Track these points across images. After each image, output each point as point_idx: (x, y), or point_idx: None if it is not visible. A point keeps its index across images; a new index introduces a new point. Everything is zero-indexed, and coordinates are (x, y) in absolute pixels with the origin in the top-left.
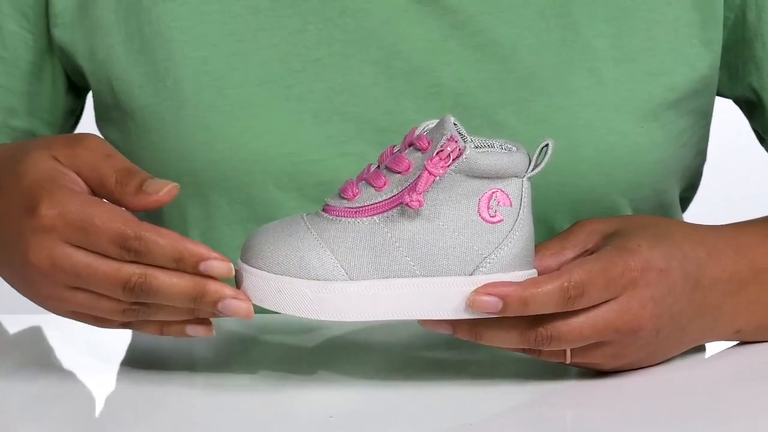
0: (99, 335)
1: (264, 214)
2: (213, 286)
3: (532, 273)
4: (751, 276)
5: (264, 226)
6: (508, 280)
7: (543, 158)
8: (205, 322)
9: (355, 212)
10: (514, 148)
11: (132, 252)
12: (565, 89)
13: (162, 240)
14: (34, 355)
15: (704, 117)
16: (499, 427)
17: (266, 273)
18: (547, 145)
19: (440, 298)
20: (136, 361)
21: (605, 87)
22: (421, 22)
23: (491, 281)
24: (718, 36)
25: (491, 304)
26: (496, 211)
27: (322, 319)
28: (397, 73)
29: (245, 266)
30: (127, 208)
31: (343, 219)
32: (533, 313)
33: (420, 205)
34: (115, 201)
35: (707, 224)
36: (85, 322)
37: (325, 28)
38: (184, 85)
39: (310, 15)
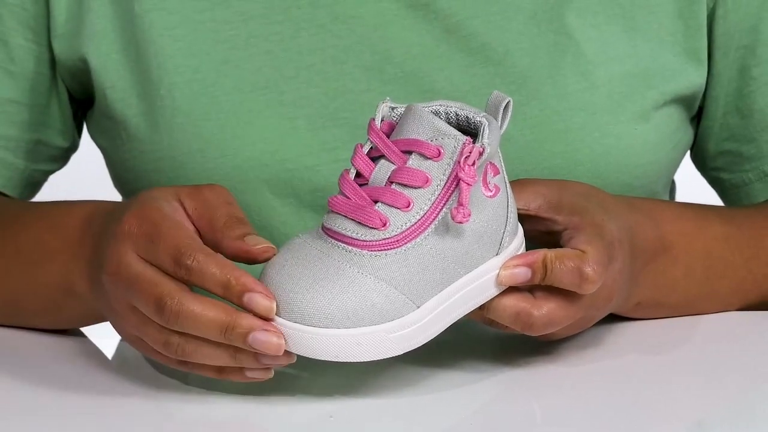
0: (94, 336)
1: (260, 220)
2: (244, 319)
3: (521, 230)
4: (662, 250)
5: (291, 274)
6: (519, 244)
7: (507, 115)
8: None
9: (397, 242)
10: (476, 114)
11: (183, 269)
12: (558, 93)
13: (214, 265)
14: (31, 360)
15: (692, 120)
16: (500, 426)
17: (338, 330)
18: (508, 102)
19: (483, 286)
20: (133, 360)
21: (598, 90)
22: (413, 27)
23: (512, 254)
24: (702, 45)
25: (522, 274)
26: (493, 184)
27: (399, 353)
28: (390, 78)
29: (303, 327)
30: (224, 254)
31: (389, 252)
32: (549, 282)
33: (470, 216)
34: (216, 242)
35: (623, 195)
36: (146, 354)
37: (317, 34)
38: (177, 93)
39: (303, 21)
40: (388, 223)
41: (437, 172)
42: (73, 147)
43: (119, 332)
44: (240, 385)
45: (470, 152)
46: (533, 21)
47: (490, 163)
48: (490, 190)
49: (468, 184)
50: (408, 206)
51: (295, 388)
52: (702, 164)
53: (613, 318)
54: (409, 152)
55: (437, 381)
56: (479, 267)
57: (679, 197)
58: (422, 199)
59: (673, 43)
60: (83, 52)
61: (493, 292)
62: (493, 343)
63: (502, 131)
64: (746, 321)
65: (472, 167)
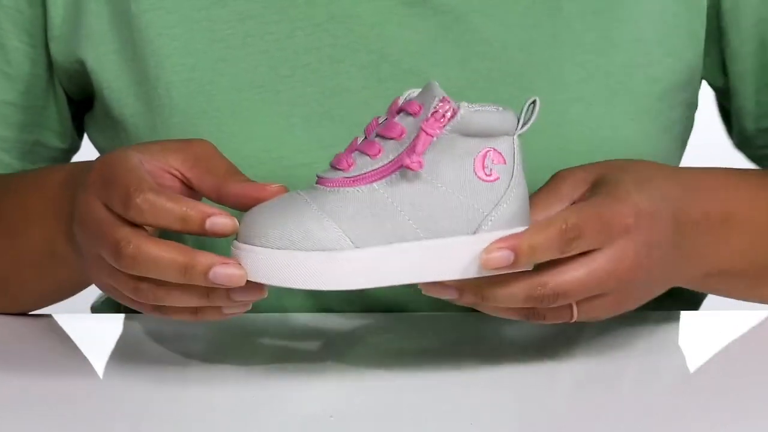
0: (91, 333)
1: None
2: (202, 257)
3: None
4: (722, 218)
5: (258, 207)
6: (510, 233)
7: (531, 115)
8: (240, 304)
9: (353, 181)
10: (502, 108)
11: (133, 209)
12: (555, 85)
13: (166, 200)
14: (29, 354)
15: (690, 109)
16: (500, 426)
17: (270, 250)
18: (534, 101)
19: (446, 259)
20: (131, 360)
21: (595, 81)
22: (409, 24)
23: (495, 238)
24: (702, 26)
25: (504, 257)
26: (491, 169)
27: (332, 289)
28: (386, 76)
29: (246, 246)
30: (228, 197)
31: (341, 189)
32: (540, 260)
33: (420, 167)
34: (217, 187)
35: (676, 166)
36: (124, 303)
37: (313, 33)
38: (174, 92)
39: (299, 21)
40: (353, 166)
41: (413, 126)
42: (73, 149)
43: (98, 285)
44: (239, 384)
45: (440, 108)
46: (530, 12)
47: (494, 149)
48: (487, 174)
49: (427, 134)
50: (377, 154)
51: (295, 388)
52: (746, 146)
53: (624, 323)
54: (401, 111)
55: (438, 381)
56: (446, 238)
57: None
58: (391, 150)
59: (677, 25)
60: (80, 53)
61: (469, 273)
62: (495, 342)
63: (525, 129)
64: None
65: (438, 122)
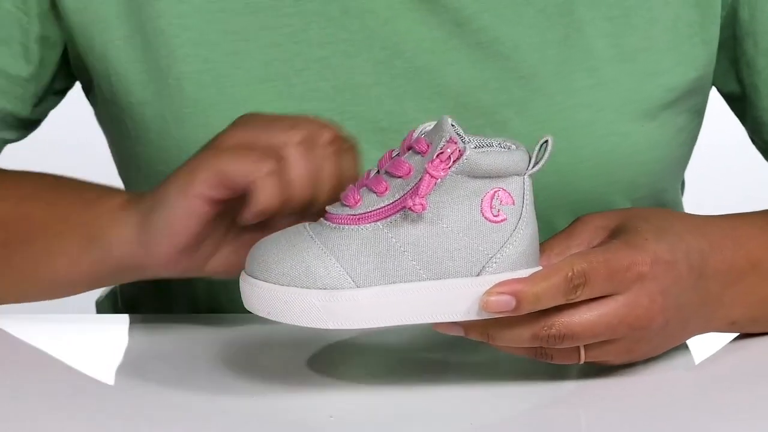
0: (96, 338)
1: None
2: None
3: (538, 270)
4: (749, 268)
5: (266, 238)
6: (515, 277)
7: (543, 155)
8: None
9: (358, 219)
10: (513, 147)
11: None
12: (565, 89)
13: None
14: (30, 354)
15: (699, 115)
16: (499, 427)
17: (272, 285)
18: (546, 141)
19: (448, 300)
20: (134, 363)
21: (605, 87)
22: (423, 21)
23: (499, 281)
24: (716, 34)
25: (504, 303)
26: (499, 210)
27: (331, 328)
28: (399, 72)
29: (250, 279)
30: None
31: (346, 226)
32: (544, 307)
33: (423, 209)
34: None
35: (704, 215)
36: None
37: (327, 27)
38: (185, 83)
39: (313, 15)
40: (359, 203)
41: (420, 165)
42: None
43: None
44: (239, 384)
45: (446, 149)
46: (543, 15)
47: (503, 189)
48: (494, 215)
49: (431, 176)
50: (384, 192)
51: (295, 388)
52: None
53: None
54: (410, 148)
55: (437, 381)
56: (449, 279)
57: (688, 197)
58: (397, 189)
59: (691, 34)
60: (86, 35)
61: (472, 315)
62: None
63: (536, 169)
64: None
65: (444, 163)
